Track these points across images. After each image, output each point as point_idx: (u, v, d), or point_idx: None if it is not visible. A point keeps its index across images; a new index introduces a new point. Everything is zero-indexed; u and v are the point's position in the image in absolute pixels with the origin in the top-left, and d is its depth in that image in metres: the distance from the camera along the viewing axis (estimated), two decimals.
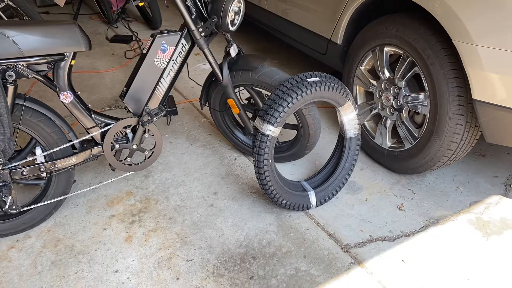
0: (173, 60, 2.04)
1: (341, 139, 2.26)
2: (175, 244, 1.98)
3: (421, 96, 2.16)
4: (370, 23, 2.38)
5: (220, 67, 2.11)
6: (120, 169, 2.09)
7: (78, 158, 1.98)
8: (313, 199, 2.14)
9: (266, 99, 2.03)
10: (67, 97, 1.91)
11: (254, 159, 1.96)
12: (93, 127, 2.00)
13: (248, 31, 4.32)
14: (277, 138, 2.44)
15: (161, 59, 2.02)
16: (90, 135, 2.00)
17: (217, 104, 2.39)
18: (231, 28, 2.01)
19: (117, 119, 2.06)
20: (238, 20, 2.05)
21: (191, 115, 2.98)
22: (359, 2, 2.35)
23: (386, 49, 2.28)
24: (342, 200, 2.26)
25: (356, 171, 2.45)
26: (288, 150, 2.40)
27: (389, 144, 2.41)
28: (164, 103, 2.12)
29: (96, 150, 2.02)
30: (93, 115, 1.99)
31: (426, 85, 2.11)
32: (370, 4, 2.39)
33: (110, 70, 3.58)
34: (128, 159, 2.09)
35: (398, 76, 2.24)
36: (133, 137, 2.05)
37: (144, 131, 2.07)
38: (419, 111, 2.19)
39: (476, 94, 1.88)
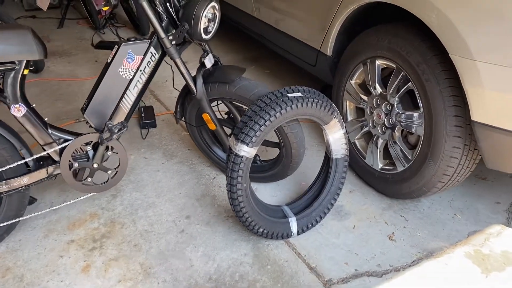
0: (140, 71, 1.85)
1: (327, 160, 2.06)
2: (137, 276, 1.78)
3: (415, 115, 1.95)
4: (361, 33, 2.19)
5: (194, 79, 1.92)
6: (79, 190, 1.89)
7: (31, 178, 1.78)
8: (294, 226, 1.93)
9: (243, 115, 1.83)
10: (19, 110, 1.72)
11: (226, 182, 1.76)
12: (50, 143, 1.80)
13: (239, 39, 4.13)
14: (258, 156, 2.24)
15: (127, 69, 1.83)
16: (45, 152, 1.81)
17: (193, 119, 2.19)
18: (204, 37, 1.82)
19: (78, 135, 1.86)
20: (213, 27, 1.86)
21: (171, 128, 2.78)
22: (349, 10, 2.15)
23: (377, 62, 2.08)
24: (327, 227, 2.05)
25: (344, 194, 2.25)
26: (270, 170, 2.19)
27: (380, 165, 2.20)
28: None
29: (52, 168, 1.82)
30: (49, 130, 1.80)
31: (420, 103, 1.91)
32: (362, 12, 2.20)
33: (91, 78, 3.40)
34: (89, 178, 1.89)
35: (390, 92, 2.04)
36: (93, 155, 1.86)
37: (107, 149, 1.87)
38: (413, 131, 1.98)
39: (475, 115, 1.67)
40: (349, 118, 2.36)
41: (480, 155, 1.86)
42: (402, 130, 2.07)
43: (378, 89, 2.11)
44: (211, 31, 1.85)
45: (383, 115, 2.11)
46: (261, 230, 1.85)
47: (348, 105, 2.36)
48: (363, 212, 2.15)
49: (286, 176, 2.19)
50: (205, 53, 1.93)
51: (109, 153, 1.88)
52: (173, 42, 1.81)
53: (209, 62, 1.92)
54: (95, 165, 1.86)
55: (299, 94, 1.82)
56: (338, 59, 2.41)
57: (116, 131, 1.80)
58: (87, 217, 2.07)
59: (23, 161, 1.76)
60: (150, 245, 1.92)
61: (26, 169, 1.79)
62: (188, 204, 2.16)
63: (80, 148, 1.85)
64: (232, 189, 1.74)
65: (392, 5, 1.91)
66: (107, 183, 1.92)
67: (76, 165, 1.84)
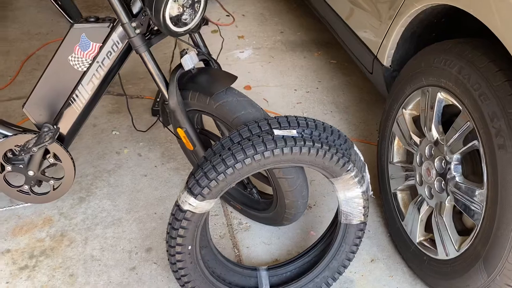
0: (98, 62, 1.40)
1: (334, 223, 1.47)
2: None
3: (479, 193, 1.26)
4: (427, 46, 1.49)
5: (167, 83, 1.42)
6: (13, 197, 1.55)
7: None
8: None
9: (208, 149, 1.31)
10: None
11: (165, 240, 1.28)
12: None
13: (316, 16, 3.46)
14: (256, 188, 1.70)
15: (80, 59, 1.40)
16: None
17: None
18: (173, 29, 1.29)
19: (24, 131, 1.50)
20: (192, 17, 1.32)
21: None
22: (415, 10, 1.46)
23: (440, 95, 1.39)
24: None
25: (363, 262, 1.64)
26: (265, 211, 1.65)
27: (419, 238, 1.55)
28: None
29: None
30: None
31: (485, 177, 1.21)
32: (438, 15, 1.49)
33: None
34: (26, 186, 1.53)
35: (449, 143, 1.35)
36: (29, 161, 1.48)
37: (47, 155, 1.48)
38: (470, 213, 1.30)
39: None
40: (395, 159, 1.70)
41: None
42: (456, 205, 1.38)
43: (434, 134, 1.43)
44: (190, 22, 1.32)
45: (434, 172, 1.43)
46: None
47: (397, 142, 1.69)
48: None
49: (281, 225, 1.64)
50: (184, 51, 1.40)
51: (51, 160, 1.49)
52: (137, 31, 1.32)
53: (189, 62, 1.40)
54: (31, 173, 1.49)
55: (294, 133, 1.24)
56: (399, 73, 1.73)
57: (43, 139, 1.38)
58: (39, 222, 1.74)
59: None
60: (87, 280, 1.54)
61: None
62: (158, 231, 1.72)
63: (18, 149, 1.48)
64: (170, 250, 1.26)
65: (470, 15, 1.20)
66: (48, 195, 1.56)
67: (9, 168, 1.49)
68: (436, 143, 1.42)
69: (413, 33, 1.62)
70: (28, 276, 1.55)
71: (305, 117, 1.31)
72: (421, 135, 1.52)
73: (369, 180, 1.41)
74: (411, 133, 1.56)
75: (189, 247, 1.25)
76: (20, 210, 1.78)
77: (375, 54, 1.80)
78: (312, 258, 1.51)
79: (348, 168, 1.30)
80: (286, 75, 2.73)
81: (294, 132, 1.24)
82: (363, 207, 1.39)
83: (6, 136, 1.48)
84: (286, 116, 1.29)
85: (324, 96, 2.57)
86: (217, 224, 1.75)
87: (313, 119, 1.31)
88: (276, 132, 1.22)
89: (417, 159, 1.53)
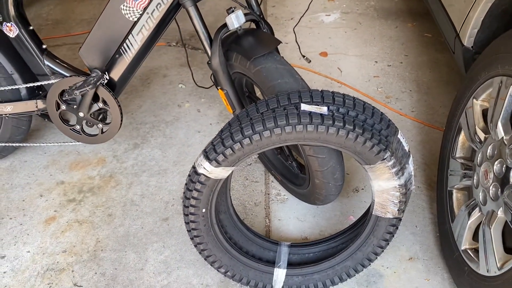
0: (148, 14, 1.40)
1: (366, 213, 1.36)
2: (83, 254, 1.52)
3: None
4: (509, 30, 1.25)
5: (211, 41, 1.38)
6: (66, 135, 1.65)
7: (16, 107, 1.60)
8: (278, 282, 1.37)
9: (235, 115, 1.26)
10: (11, 30, 1.49)
11: (181, 198, 1.28)
12: (43, 75, 1.57)
13: None
14: (296, 161, 1.62)
15: (131, 8, 1.40)
16: (38, 83, 1.59)
17: None
18: None
19: (80, 73, 1.58)
20: None
21: None
22: None
23: None
24: None
25: (399, 259, 1.51)
26: (301, 186, 1.58)
27: (464, 245, 1.37)
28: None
29: (41, 103, 1.61)
30: (45, 60, 1.55)
31: None
32: None
33: None
34: (77, 126, 1.63)
35: (511, 145, 1.15)
36: (80, 102, 1.56)
37: (96, 99, 1.55)
38: None
39: None
40: (458, 153, 1.50)
41: None
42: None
43: (500, 132, 1.22)
44: None
45: (491, 176, 1.24)
46: (223, 270, 1.35)
47: (462, 135, 1.48)
48: None
49: (314, 204, 1.56)
50: (231, 9, 1.34)
51: (100, 105, 1.56)
52: None
53: (235, 21, 1.34)
54: (81, 114, 1.57)
55: (324, 110, 1.13)
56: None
57: (86, 84, 1.43)
58: (94, 160, 1.86)
59: (5, 87, 1.58)
60: (122, 222, 1.62)
61: (17, 96, 1.61)
62: None
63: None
64: (184, 210, 1.26)
65: None
66: (97, 138, 1.63)
67: (63, 107, 1.58)
68: (501, 143, 1.22)
69: (504, 11, 1.37)
70: (73, 208, 1.68)
71: (343, 94, 1.19)
72: (488, 131, 1.31)
73: (412, 173, 1.26)
74: (476, 127, 1.36)
75: (203, 210, 1.24)
76: (80, 147, 1.91)
77: (457, 31, 1.57)
78: (339, 244, 1.42)
79: (384, 157, 1.17)
80: (369, 45, 2.53)
81: (324, 109, 1.13)
82: (399, 202, 1.25)
83: (64, 76, 1.56)
84: (322, 91, 1.18)
85: (407, 72, 2.35)
86: (255, 191, 1.73)
87: (353, 97, 1.19)
88: (303, 107, 1.13)
89: (478, 158, 1.34)
